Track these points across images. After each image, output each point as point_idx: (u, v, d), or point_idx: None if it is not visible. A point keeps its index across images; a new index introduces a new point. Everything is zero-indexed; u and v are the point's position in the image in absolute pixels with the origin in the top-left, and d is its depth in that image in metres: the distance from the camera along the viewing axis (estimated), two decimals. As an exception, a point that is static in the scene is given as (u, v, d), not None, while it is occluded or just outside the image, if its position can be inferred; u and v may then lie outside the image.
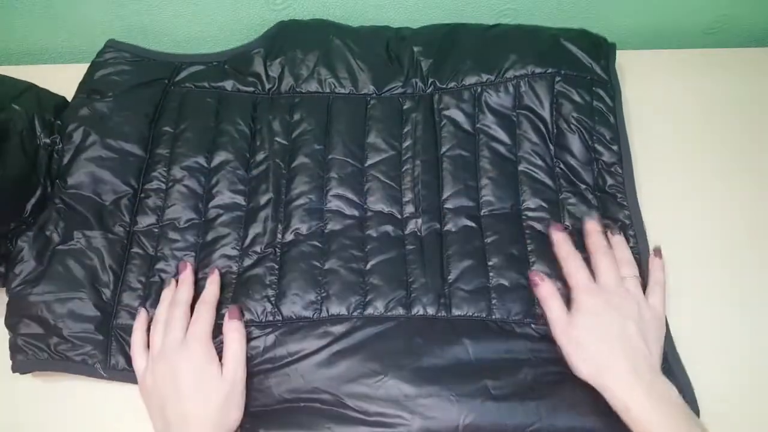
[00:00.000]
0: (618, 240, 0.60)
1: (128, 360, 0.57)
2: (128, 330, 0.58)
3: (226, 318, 0.57)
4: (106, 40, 0.72)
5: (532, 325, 0.57)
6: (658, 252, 0.60)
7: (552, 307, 0.56)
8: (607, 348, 0.53)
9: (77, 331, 0.58)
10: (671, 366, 0.55)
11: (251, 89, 0.70)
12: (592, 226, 0.61)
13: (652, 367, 0.52)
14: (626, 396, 0.50)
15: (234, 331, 0.56)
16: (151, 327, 0.58)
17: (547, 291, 0.57)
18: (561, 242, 0.60)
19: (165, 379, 0.53)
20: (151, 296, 0.60)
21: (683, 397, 0.52)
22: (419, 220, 0.63)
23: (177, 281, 0.60)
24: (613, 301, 0.55)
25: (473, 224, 0.63)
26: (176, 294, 0.59)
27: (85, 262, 0.60)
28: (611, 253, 0.59)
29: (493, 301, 0.59)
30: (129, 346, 0.58)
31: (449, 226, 0.62)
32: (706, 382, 0.56)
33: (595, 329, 0.54)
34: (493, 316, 0.58)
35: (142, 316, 0.59)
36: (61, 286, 0.59)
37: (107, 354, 0.58)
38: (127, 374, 0.57)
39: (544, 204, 0.63)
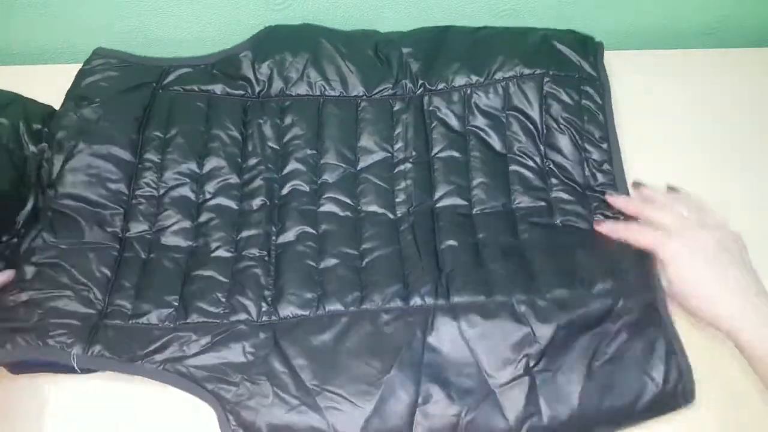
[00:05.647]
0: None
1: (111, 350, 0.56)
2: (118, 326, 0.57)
3: None
4: (105, 41, 0.72)
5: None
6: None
7: (648, 235, 0.57)
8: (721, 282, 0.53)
9: (59, 319, 0.56)
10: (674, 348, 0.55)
11: (241, 92, 0.69)
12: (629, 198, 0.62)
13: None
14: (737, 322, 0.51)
15: None
16: None
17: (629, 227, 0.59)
18: (626, 206, 0.61)
19: None
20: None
21: (683, 381, 0.53)
22: (412, 218, 0.63)
23: None
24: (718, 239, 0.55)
25: (466, 221, 0.63)
26: None
27: (77, 267, 0.60)
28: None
29: (491, 286, 0.59)
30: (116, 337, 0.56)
31: (442, 223, 0.63)
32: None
33: (708, 265, 0.54)
34: (493, 296, 0.58)
35: None
36: (50, 286, 0.58)
37: (88, 342, 0.56)
38: (106, 361, 0.55)
39: (535, 203, 0.64)
